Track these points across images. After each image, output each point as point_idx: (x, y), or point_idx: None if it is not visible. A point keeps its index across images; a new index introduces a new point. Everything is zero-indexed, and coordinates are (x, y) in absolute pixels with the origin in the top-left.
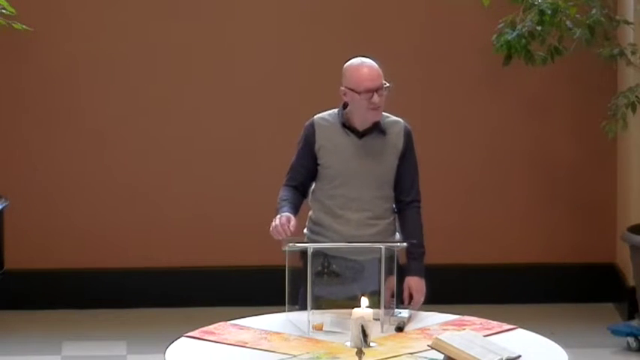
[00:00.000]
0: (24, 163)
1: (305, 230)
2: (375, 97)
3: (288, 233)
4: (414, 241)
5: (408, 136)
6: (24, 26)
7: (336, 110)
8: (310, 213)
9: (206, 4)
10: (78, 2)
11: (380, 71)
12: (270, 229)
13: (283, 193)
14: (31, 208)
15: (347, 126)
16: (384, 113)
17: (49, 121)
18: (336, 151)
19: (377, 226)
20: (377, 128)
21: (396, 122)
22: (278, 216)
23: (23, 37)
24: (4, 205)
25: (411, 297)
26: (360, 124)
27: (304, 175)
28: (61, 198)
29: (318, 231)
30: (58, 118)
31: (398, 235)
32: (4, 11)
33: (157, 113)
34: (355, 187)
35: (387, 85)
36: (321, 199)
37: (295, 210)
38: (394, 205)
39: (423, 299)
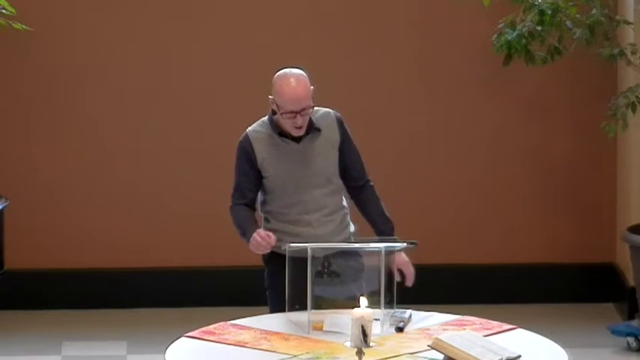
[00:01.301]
0: (24, 163)
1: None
2: (298, 119)
3: (273, 243)
4: (415, 241)
5: (340, 125)
6: (24, 26)
7: (265, 119)
8: (264, 224)
9: (207, 3)
10: (78, 2)
11: (306, 89)
12: (251, 246)
13: (240, 213)
14: (31, 208)
15: (282, 134)
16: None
17: (49, 121)
18: (279, 160)
19: (334, 222)
20: (312, 128)
21: (326, 114)
22: (254, 233)
23: (23, 37)
24: (4, 205)
25: (402, 276)
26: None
27: (251, 189)
28: (61, 198)
29: (279, 238)
30: (57, 118)
31: (352, 226)
32: (4, 11)
33: (158, 114)
34: (307, 189)
35: (312, 105)
36: (276, 210)
37: (258, 227)
38: (349, 192)
39: (413, 270)
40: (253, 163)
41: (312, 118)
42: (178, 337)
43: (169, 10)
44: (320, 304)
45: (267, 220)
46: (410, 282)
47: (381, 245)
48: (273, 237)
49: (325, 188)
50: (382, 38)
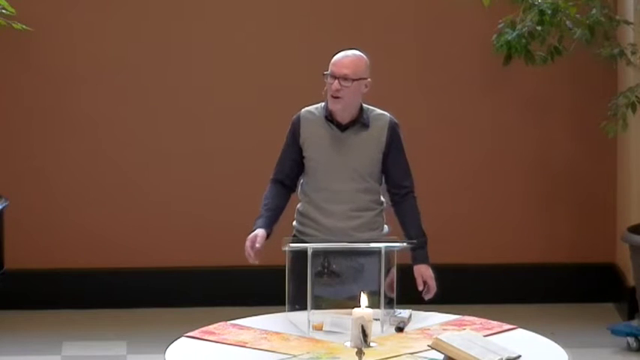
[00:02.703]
0: (24, 163)
1: (294, 222)
2: (335, 84)
3: (254, 257)
4: (414, 242)
5: (392, 130)
6: (24, 26)
7: (322, 104)
8: (298, 206)
9: (206, 4)
10: (78, 2)
11: (355, 62)
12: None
13: (268, 193)
14: (31, 208)
15: (330, 119)
16: (369, 107)
17: (49, 121)
18: (318, 143)
19: (360, 218)
20: (359, 122)
21: (381, 116)
22: (251, 234)
23: (23, 37)
24: (4, 205)
25: (424, 284)
26: (342, 117)
27: (291, 166)
28: (61, 198)
29: (305, 223)
30: (57, 118)
31: (386, 228)
32: (4, 11)
33: (157, 114)
34: (337, 179)
35: (353, 79)
36: (308, 193)
37: (275, 217)
38: (383, 198)
39: (435, 287)
40: (296, 140)
41: (365, 114)
42: (178, 337)
43: (170, 10)
44: (320, 304)
45: (300, 202)
46: (429, 296)
47: (381, 245)
48: (259, 241)
49: (357, 184)
50: (382, 38)
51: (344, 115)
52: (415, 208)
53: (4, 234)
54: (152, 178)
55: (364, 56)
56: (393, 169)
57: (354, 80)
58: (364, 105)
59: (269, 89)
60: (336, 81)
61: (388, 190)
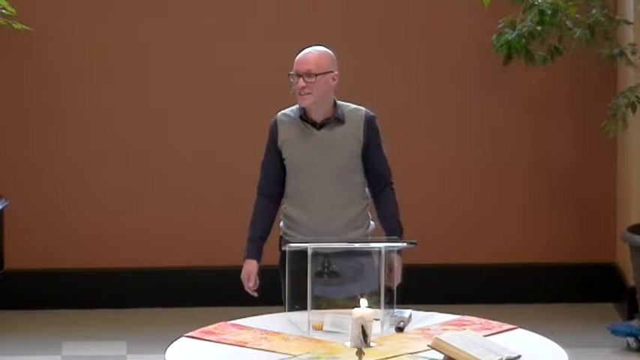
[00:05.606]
0: (24, 163)
1: (281, 223)
2: (300, 82)
3: (252, 290)
4: (415, 241)
5: (369, 124)
6: (24, 26)
7: (297, 105)
8: (283, 207)
9: (210, 5)
10: (78, 2)
11: (318, 57)
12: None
13: (257, 210)
14: (32, 208)
15: (305, 119)
16: (344, 102)
17: (49, 121)
18: (296, 144)
19: (345, 217)
20: (334, 118)
21: (356, 110)
22: (246, 265)
23: (23, 37)
24: (4, 205)
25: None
26: (316, 115)
27: (276, 173)
28: (61, 198)
29: (289, 225)
30: (57, 118)
31: (372, 224)
32: (4, 11)
33: (158, 113)
34: (318, 178)
35: (317, 74)
36: (290, 194)
37: (264, 240)
38: (367, 191)
39: (399, 276)
40: (275, 144)
41: (340, 109)
42: (178, 337)
43: (170, 9)
44: (320, 304)
45: (285, 204)
46: (391, 284)
47: (381, 245)
48: (253, 278)
49: (337, 181)
50: (382, 38)
51: (317, 113)
52: (394, 201)
53: (4, 234)
54: (151, 178)
55: (328, 51)
56: (372, 162)
57: (317, 75)
58: (338, 101)
59: (271, 92)
60: (301, 79)
61: (368, 183)
